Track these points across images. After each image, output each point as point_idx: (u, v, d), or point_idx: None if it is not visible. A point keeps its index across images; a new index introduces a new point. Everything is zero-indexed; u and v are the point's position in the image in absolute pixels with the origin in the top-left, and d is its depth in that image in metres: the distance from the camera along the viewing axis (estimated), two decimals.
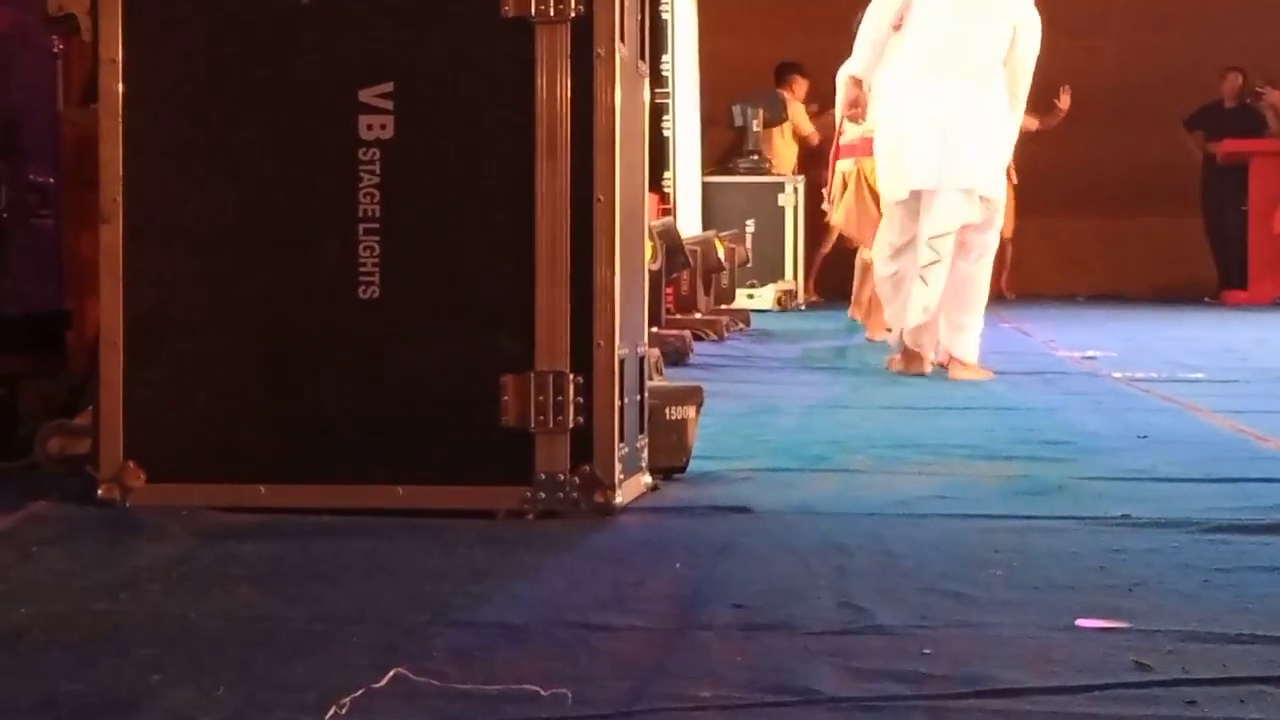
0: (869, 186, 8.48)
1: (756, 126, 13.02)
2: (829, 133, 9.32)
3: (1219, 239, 14.78)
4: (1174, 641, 2.13)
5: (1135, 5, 15.60)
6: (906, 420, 4.95)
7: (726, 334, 8.77)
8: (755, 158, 13.05)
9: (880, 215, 8.43)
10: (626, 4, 3.11)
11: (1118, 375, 6.67)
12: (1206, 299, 14.47)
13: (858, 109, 6.88)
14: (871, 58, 6.76)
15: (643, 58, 3.33)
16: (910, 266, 6.54)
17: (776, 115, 13.24)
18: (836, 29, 9.59)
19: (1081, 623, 2.25)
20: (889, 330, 7.40)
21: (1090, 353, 7.84)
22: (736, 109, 13.44)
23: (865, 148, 8.21)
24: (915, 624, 2.23)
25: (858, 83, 6.81)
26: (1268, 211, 14.14)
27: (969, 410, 5.29)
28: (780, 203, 12.47)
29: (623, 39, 3.09)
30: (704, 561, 2.70)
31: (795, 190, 12.44)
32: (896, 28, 6.65)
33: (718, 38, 13.81)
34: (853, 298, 9.46)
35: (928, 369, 6.53)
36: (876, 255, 6.95)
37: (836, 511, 3.19)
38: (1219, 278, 14.77)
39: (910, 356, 6.57)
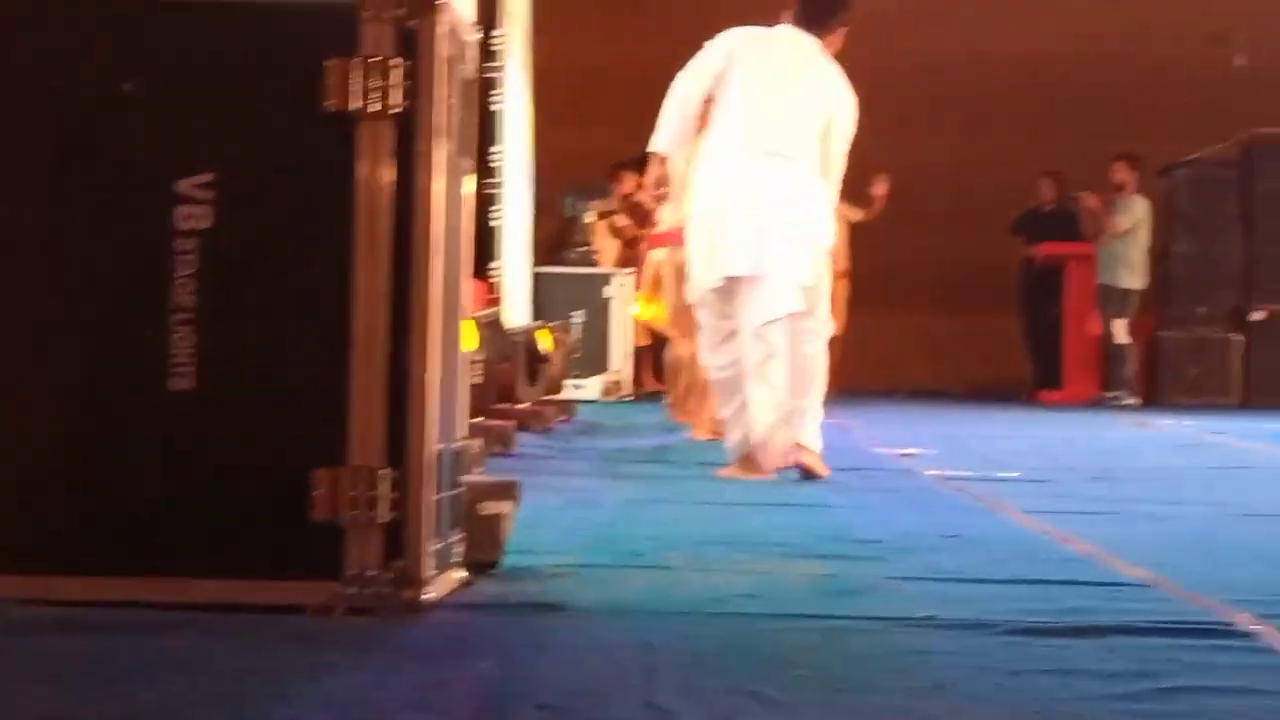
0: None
1: (587, 218, 13.12)
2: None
3: (1035, 339, 15.09)
4: None
5: (967, 105, 15.97)
6: (724, 517, 4.96)
7: (551, 425, 8.78)
8: (585, 249, 13.14)
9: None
10: (450, 100, 3.13)
11: (933, 473, 6.76)
12: (1023, 398, 14.76)
13: (662, 189, 6.61)
14: (678, 134, 6.40)
15: (466, 152, 3.34)
16: (740, 360, 6.22)
17: (607, 208, 13.35)
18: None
19: None
20: (717, 434, 7.40)
21: (908, 450, 7.94)
22: (568, 200, 13.54)
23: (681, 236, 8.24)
24: None
25: (662, 161, 6.45)
26: (1082, 312, 14.50)
27: (785, 507, 5.33)
28: (607, 294, 12.54)
29: (445, 135, 3.11)
30: (513, 660, 2.69)
31: (622, 282, 12.51)
32: (708, 103, 6.35)
33: (552, 128, 13.91)
34: (670, 398, 9.41)
35: (771, 474, 6.11)
36: (702, 350, 6.63)
37: (648, 610, 3.19)
38: (1034, 377, 15.07)
39: (748, 464, 6.20)
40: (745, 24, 7.11)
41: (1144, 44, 15.88)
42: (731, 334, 6.31)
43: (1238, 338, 14.64)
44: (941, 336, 16.11)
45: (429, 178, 3.05)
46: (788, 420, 6.14)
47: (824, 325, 6.36)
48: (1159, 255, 14.59)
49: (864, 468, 7.02)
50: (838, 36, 6.42)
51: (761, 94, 6.22)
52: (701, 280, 6.39)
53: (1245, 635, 3.06)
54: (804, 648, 2.85)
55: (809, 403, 6.19)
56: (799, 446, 6.12)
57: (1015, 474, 6.77)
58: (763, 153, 6.19)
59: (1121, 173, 14.22)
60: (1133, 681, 2.58)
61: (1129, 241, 14.19)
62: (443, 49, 3.07)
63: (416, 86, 3.03)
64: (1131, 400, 14.13)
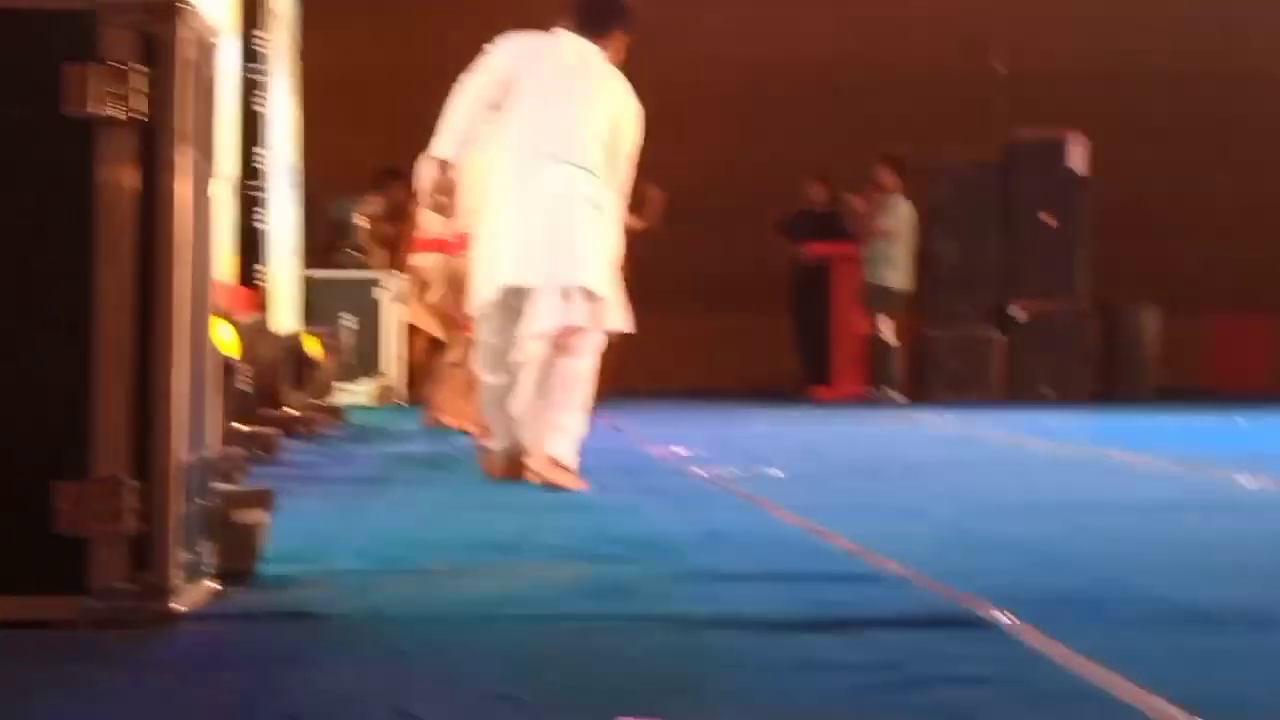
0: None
1: (358, 221, 13.01)
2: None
3: (805, 337, 15.29)
4: None
5: (737, 108, 16.14)
6: (488, 520, 4.95)
7: (320, 431, 8.68)
8: (355, 253, 13.02)
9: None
10: (193, 106, 3.08)
11: (701, 472, 6.82)
12: (793, 395, 14.95)
13: (444, 196, 6.16)
14: (460, 138, 6.14)
15: (210, 158, 3.29)
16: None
17: (377, 213, 13.23)
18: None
19: None
20: (479, 431, 7.39)
21: (677, 449, 8.00)
22: (337, 203, 13.40)
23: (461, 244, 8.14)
24: None
25: (443, 166, 6.10)
26: (849, 311, 14.74)
27: (550, 510, 5.33)
28: (377, 297, 12.44)
29: (189, 140, 3.06)
30: (261, 671, 2.65)
31: (393, 286, 12.41)
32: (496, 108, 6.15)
33: (321, 131, 13.76)
34: (432, 400, 9.40)
35: (531, 476, 6.01)
36: (481, 364, 6.36)
37: (404, 616, 3.18)
38: (804, 375, 15.28)
39: (512, 465, 6.19)
40: (516, 29, 7.09)
41: (908, 49, 16.20)
42: (511, 348, 6.15)
43: (999, 335, 15.00)
44: (714, 336, 16.25)
45: (172, 183, 3.00)
46: (545, 431, 6.00)
47: (600, 338, 6.19)
48: (923, 255, 14.89)
49: (633, 468, 7.06)
50: (618, 43, 6.35)
51: (546, 99, 6.12)
52: (484, 290, 6.24)
53: (989, 626, 3.13)
54: (559, 650, 2.86)
55: (569, 417, 6.04)
56: (552, 462, 5.95)
57: (781, 471, 6.85)
58: (547, 158, 6.08)
59: (884, 175, 14.50)
60: (878, 674, 2.64)
61: (894, 242, 14.46)
62: (186, 54, 3.02)
63: (159, 92, 2.98)
64: (898, 397, 14.40)
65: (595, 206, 6.11)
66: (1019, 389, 14.82)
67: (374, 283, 12.56)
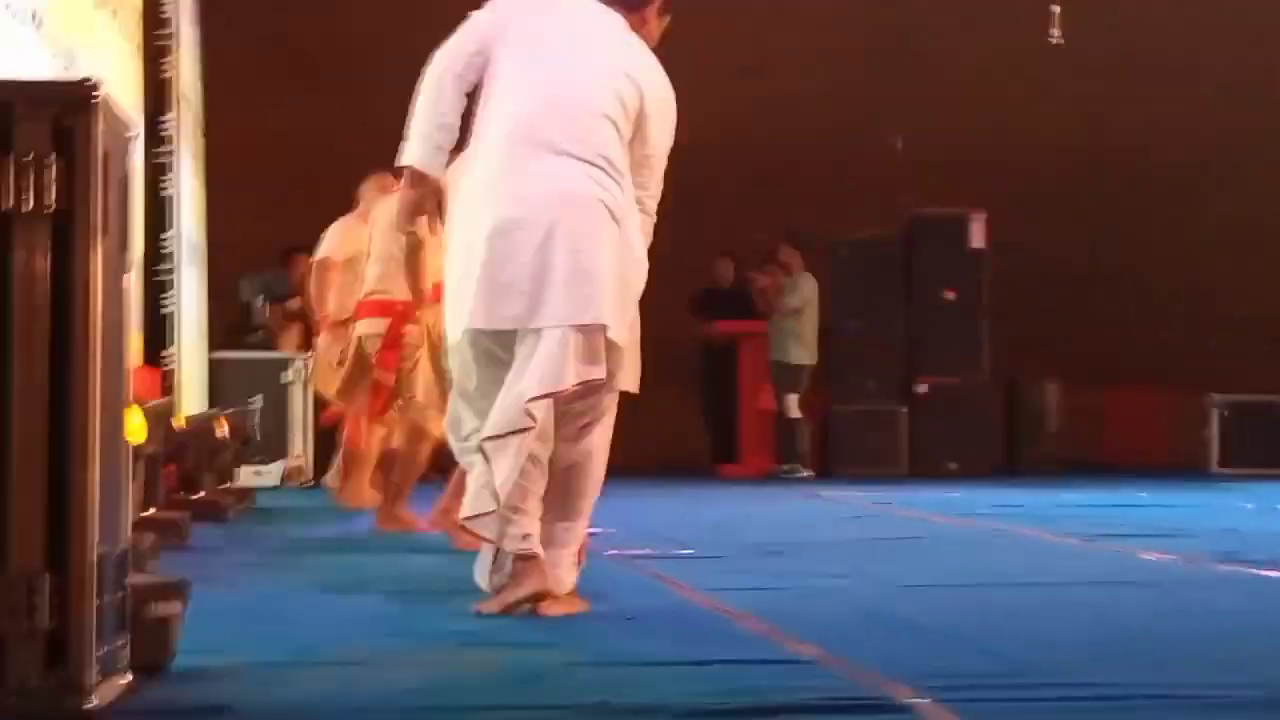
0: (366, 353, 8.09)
1: (260, 303, 12.96)
2: None
3: (713, 414, 15.33)
4: None
5: None
6: (404, 605, 4.91)
7: (228, 514, 8.60)
8: (261, 334, 12.95)
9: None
10: (108, 199, 3.06)
11: (613, 553, 6.80)
12: (702, 472, 14.97)
13: (419, 217, 4.72)
14: (434, 141, 4.56)
15: (127, 249, 3.27)
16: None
17: (284, 292, 13.17)
18: (344, 208, 9.68)
19: None
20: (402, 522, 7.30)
21: (590, 530, 7.95)
22: (244, 284, 13.33)
23: (371, 309, 8.06)
24: None
25: (415, 178, 4.62)
26: (756, 388, 14.81)
27: (464, 593, 5.28)
28: (286, 379, 12.36)
29: (105, 232, 3.04)
30: None
31: (301, 366, 12.34)
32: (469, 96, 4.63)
33: (225, 214, 13.72)
34: (337, 481, 9.29)
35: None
36: (452, 431, 4.87)
37: (318, 708, 3.15)
38: (712, 451, 15.31)
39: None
40: None
41: (811, 130, 16.32)
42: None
43: (903, 409, 15.09)
44: (623, 412, 16.24)
45: (87, 274, 2.98)
46: (545, 540, 4.61)
47: (612, 402, 4.77)
48: (828, 331, 14.99)
49: None
50: (653, 24, 4.83)
51: (544, 68, 4.58)
52: (454, 333, 4.67)
53: (904, 709, 3.14)
54: None
55: (572, 531, 4.75)
56: (545, 594, 4.53)
57: (692, 550, 6.85)
58: (542, 148, 4.52)
59: (789, 253, 14.65)
60: None
61: (799, 319, 14.58)
62: (100, 146, 3.00)
63: (73, 184, 2.96)
64: (805, 473, 14.46)
65: (611, 217, 4.56)
66: (924, 463, 14.91)
67: (282, 364, 12.48)
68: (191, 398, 11.44)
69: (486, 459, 4.47)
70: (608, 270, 4.49)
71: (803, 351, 14.63)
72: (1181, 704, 3.24)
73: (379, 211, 8.14)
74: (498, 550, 4.64)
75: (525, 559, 4.51)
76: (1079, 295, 16.56)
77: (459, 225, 4.66)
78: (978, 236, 15.27)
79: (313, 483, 12.36)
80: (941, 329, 15.12)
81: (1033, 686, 3.45)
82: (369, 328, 8.07)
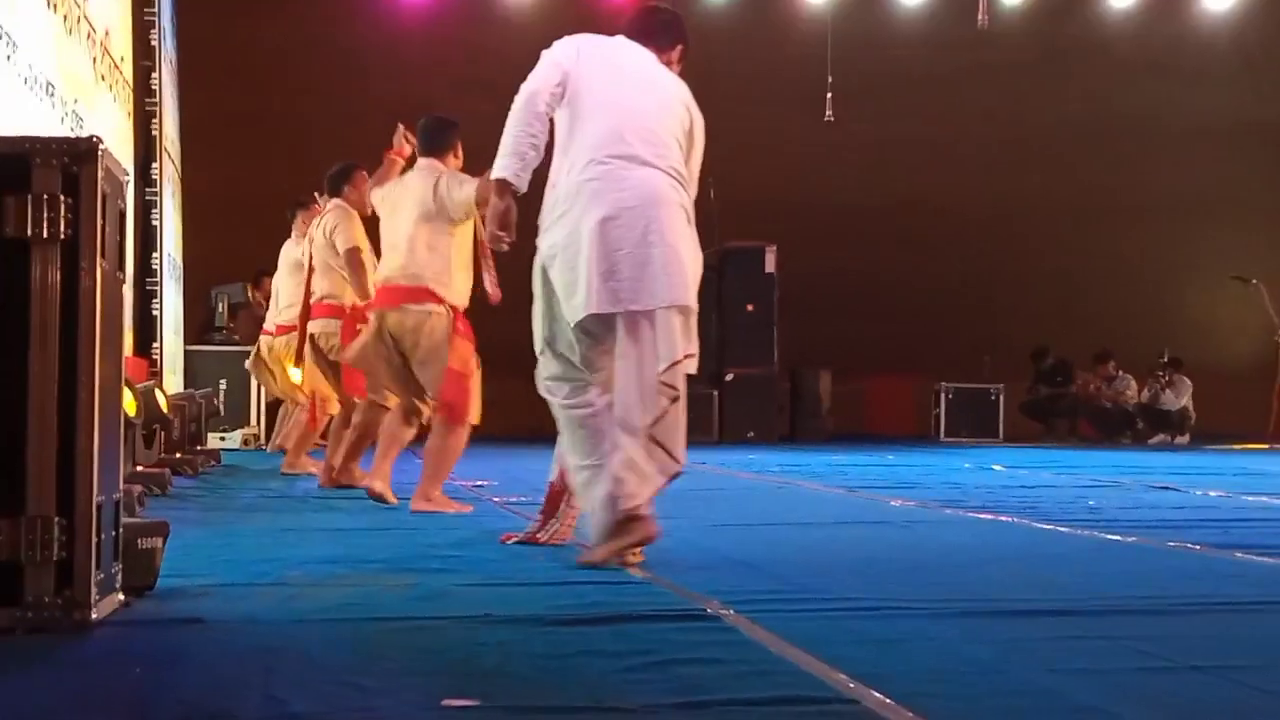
0: (323, 351, 7.73)
1: (221, 309, 12.79)
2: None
3: None
4: (515, 715, 2.17)
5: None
6: (335, 540, 4.84)
7: (201, 469, 8.43)
8: (226, 331, 12.76)
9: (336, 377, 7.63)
10: (107, 228, 2.99)
11: (498, 500, 6.77)
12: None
13: (506, 230, 4.16)
14: (525, 157, 4.11)
15: (121, 267, 3.20)
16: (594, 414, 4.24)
17: (244, 301, 12.99)
18: (288, 234, 9.52)
19: (447, 702, 2.27)
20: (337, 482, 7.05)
21: (479, 482, 7.93)
22: (214, 293, 13.12)
23: (323, 310, 7.65)
24: (322, 710, 2.20)
25: (504, 190, 4.13)
26: None
27: (384, 530, 5.25)
28: (246, 366, 12.15)
29: (104, 255, 2.97)
30: (160, 666, 2.57)
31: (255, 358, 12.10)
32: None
33: (200, 238, 13.51)
34: (289, 456, 8.77)
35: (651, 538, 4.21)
36: (565, 429, 4.41)
37: (272, 620, 3.10)
38: None
39: (622, 533, 4.17)
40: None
41: None
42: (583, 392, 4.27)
43: (715, 392, 15.17)
44: (509, 394, 16.14)
45: (92, 287, 2.91)
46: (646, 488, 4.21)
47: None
48: None
49: (454, 497, 6.94)
50: (675, 65, 4.47)
51: (622, 95, 4.23)
52: (572, 312, 4.14)
53: (715, 619, 3.16)
54: (392, 644, 2.81)
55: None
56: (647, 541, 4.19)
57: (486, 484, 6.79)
58: (630, 161, 4.14)
59: None
60: (633, 658, 2.64)
61: None
62: (101, 188, 2.94)
63: (79, 217, 2.89)
64: None
65: (687, 217, 4.20)
66: (729, 433, 15.03)
67: (244, 355, 12.25)
68: (172, 381, 11.22)
69: (659, 444, 4.09)
70: (688, 260, 4.14)
71: None
72: (917, 611, 3.28)
73: (315, 230, 7.72)
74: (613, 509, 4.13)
75: (637, 517, 4.13)
76: (846, 308, 16.78)
77: (553, 226, 4.17)
78: (770, 263, 15.42)
79: (265, 447, 12.17)
80: (743, 332, 15.23)
81: (810, 600, 3.49)
82: (325, 327, 7.71)
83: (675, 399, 4.04)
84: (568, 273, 4.13)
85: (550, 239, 4.18)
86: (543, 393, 4.35)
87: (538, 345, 4.32)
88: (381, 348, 6.30)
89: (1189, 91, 17.59)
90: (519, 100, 4.16)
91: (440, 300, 6.20)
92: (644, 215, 4.07)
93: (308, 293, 7.81)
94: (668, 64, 4.42)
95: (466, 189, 6.05)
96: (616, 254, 4.04)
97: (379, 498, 6.39)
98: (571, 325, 4.15)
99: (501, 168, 4.12)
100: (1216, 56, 17.65)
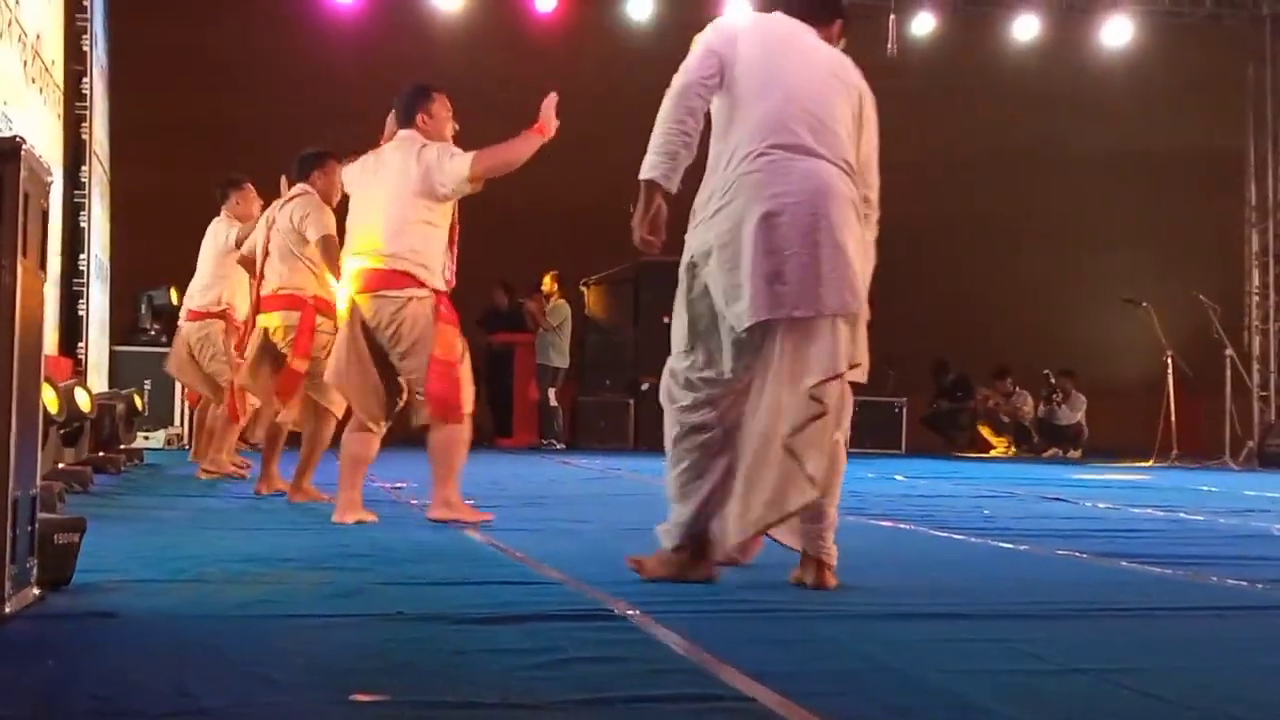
0: (274, 345, 6.75)
1: (145, 310, 12.59)
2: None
3: (494, 401, 15.27)
4: (423, 710, 2.16)
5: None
6: (250, 539, 4.78)
7: (124, 468, 8.29)
8: (153, 333, 12.54)
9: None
10: (28, 228, 2.93)
11: (415, 502, 6.72)
12: (484, 443, 14.88)
13: (656, 233, 3.69)
14: (676, 156, 3.66)
15: (43, 266, 3.14)
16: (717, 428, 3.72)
17: (167, 305, 12.78)
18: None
19: (356, 698, 2.24)
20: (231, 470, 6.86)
21: (398, 484, 7.88)
22: (140, 296, 12.92)
23: (281, 301, 6.65)
24: (231, 704, 2.17)
25: (654, 191, 3.66)
26: (526, 382, 14.81)
27: (299, 530, 5.19)
28: (167, 368, 11.96)
29: (24, 253, 2.91)
30: (74, 659, 2.52)
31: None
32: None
33: (128, 240, 13.31)
34: (204, 459, 8.24)
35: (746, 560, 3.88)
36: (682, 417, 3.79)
37: (186, 615, 3.05)
38: (493, 427, 15.23)
39: (687, 564, 3.81)
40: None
41: (571, 195, 16.35)
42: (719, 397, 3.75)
43: (631, 400, 15.19)
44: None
45: (12, 285, 2.85)
46: (812, 522, 3.75)
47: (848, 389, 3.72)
48: (579, 343, 15.05)
49: (369, 499, 6.86)
50: (835, 40, 3.96)
51: (784, 77, 3.70)
52: (738, 317, 3.63)
53: (621, 619, 3.16)
54: (304, 640, 2.78)
55: (833, 501, 3.79)
56: (820, 563, 3.78)
57: (471, 500, 6.76)
58: (795, 152, 3.64)
59: (551, 285, 14.74)
60: (541, 655, 2.63)
61: (557, 333, 14.63)
62: (23, 187, 2.88)
63: (2, 217, 2.83)
64: (559, 446, 14.46)
65: (856, 212, 3.70)
66: (645, 440, 15.01)
67: (165, 356, 12.06)
68: (97, 380, 11.02)
69: (793, 456, 3.52)
70: (858, 261, 3.64)
71: (560, 357, 14.69)
72: (814, 614, 3.28)
73: (277, 214, 6.76)
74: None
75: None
76: None
77: (708, 221, 3.70)
78: None
79: (187, 446, 12.00)
80: (660, 343, 15.13)
81: (712, 601, 3.49)
82: (285, 319, 6.69)
83: (821, 415, 3.52)
84: (727, 275, 3.63)
85: (702, 235, 3.70)
86: (663, 398, 3.85)
87: (676, 345, 3.83)
88: (354, 355, 5.57)
89: (1085, 122, 17.92)
90: (671, 93, 3.68)
91: (421, 284, 5.54)
92: (810, 212, 3.57)
93: (259, 281, 6.93)
94: (828, 40, 3.90)
95: (459, 162, 5.46)
96: (781, 255, 3.55)
97: (360, 523, 5.57)
98: (737, 330, 3.63)
99: (650, 166, 3.64)
100: (1112, 90, 17.98)
